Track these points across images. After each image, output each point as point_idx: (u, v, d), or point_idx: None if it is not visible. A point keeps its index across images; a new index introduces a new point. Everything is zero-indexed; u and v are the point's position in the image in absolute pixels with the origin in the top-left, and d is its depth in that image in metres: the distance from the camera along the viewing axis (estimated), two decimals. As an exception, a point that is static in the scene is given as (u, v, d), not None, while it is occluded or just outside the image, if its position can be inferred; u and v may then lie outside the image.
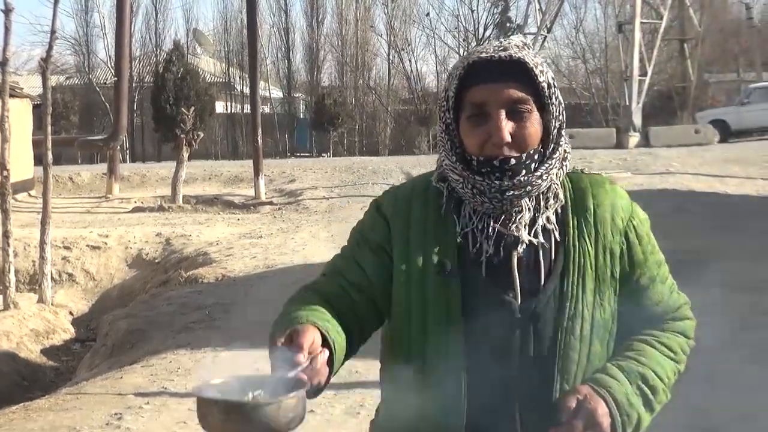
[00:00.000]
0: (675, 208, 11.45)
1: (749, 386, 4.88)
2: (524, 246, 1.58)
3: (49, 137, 9.83)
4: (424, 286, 1.59)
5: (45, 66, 10.41)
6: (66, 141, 20.68)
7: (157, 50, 37.15)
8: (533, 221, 1.59)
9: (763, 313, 6.46)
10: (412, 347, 1.60)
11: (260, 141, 17.44)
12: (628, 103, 25.31)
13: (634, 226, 1.64)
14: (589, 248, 1.59)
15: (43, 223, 9.54)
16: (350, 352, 1.58)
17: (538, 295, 1.57)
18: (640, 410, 1.56)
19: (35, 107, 19.30)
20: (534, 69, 1.55)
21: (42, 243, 9.55)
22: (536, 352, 1.56)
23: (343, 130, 34.21)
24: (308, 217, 14.36)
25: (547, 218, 1.60)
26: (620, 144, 23.32)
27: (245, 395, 1.34)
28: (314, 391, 1.41)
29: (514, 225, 1.58)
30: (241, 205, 16.42)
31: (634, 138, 23.82)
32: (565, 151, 1.61)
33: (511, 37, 1.59)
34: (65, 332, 9.41)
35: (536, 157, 1.57)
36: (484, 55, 1.55)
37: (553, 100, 1.58)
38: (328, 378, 1.45)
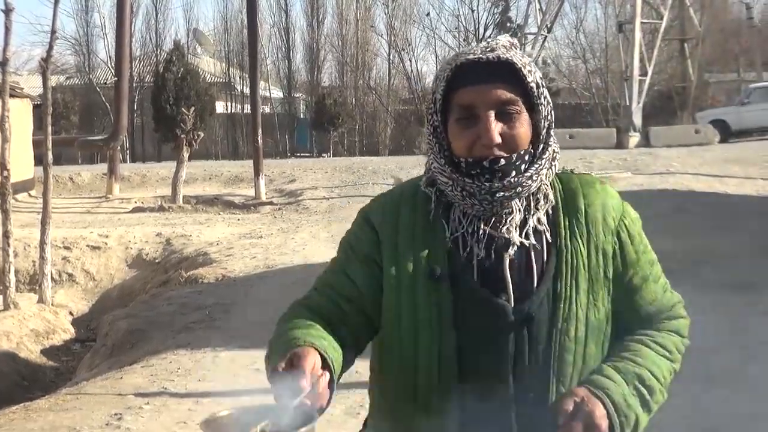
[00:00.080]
0: (675, 208, 11.45)
1: (749, 386, 4.88)
2: (515, 248, 1.56)
3: (50, 137, 9.82)
4: (414, 291, 1.57)
5: (45, 66, 10.40)
6: (66, 141, 20.69)
7: (157, 50, 37.18)
8: (524, 223, 1.57)
9: (763, 313, 6.46)
10: (402, 353, 1.58)
11: (260, 141, 17.43)
12: (628, 103, 25.33)
13: (625, 226, 1.62)
14: (582, 249, 1.58)
15: (43, 223, 9.54)
16: (347, 364, 1.57)
17: (531, 297, 1.55)
18: (638, 411, 1.55)
19: (35, 107, 19.32)
20: (522, 69, 1.52)
21: (42, 243, 9.55)
22: (531, 355, 1.54)
23: (344, 130, 34.21)
24: (308, 217, 14.35)
25: (538, 219, 1.58)
26: (620, 144, 23.32)
27: (252, 428, 1.32)
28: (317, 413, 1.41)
29: (505, 227, 1.56)
30: (241, 205, 16.41)
31: (635, 138, 23.82)
32: (554, 151, 1.59)
33: (498, 38, 1.57)
34: (65, 332, 9.41)
35: (526, 157, 1.55)
36: (471, 56, 1.52)
37: (542, 100, 1.56)
38: (329, 399, 1.45)
